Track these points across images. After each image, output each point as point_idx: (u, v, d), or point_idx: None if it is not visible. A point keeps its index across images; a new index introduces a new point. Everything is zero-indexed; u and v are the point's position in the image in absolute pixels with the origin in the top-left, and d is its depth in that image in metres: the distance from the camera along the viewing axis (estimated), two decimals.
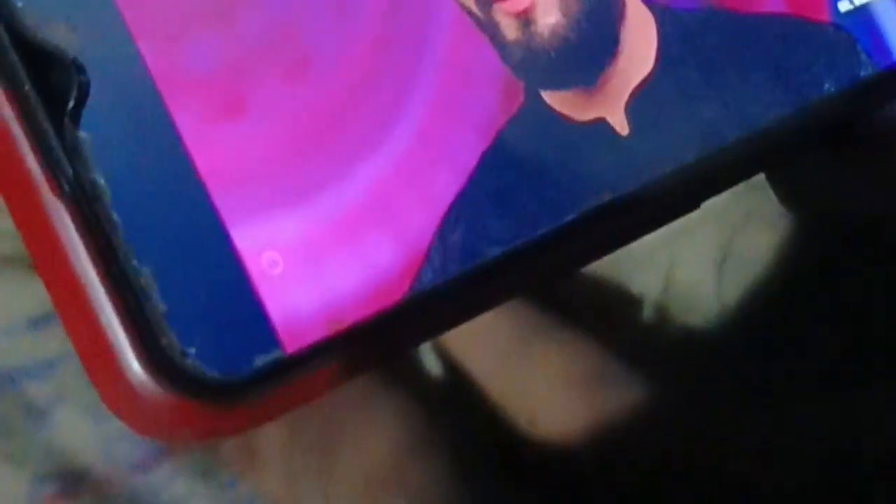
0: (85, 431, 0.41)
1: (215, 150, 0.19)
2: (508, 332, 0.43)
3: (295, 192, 0.19)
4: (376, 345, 0.20)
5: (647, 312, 0.44)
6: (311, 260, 0.20)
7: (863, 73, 0.23)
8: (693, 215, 0.44)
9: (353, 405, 0.41)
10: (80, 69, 0.18)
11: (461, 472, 0.41)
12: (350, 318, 0.19)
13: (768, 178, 0.25)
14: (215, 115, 0.19)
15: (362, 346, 0.20)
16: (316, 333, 0.19)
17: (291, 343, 0.19)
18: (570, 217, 0.21)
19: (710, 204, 0.44)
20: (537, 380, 0.42)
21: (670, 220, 0.23)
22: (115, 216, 0.18)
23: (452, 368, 0.43)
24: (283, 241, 0.19)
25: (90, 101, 0.18)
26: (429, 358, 0.43)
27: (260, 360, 0.19)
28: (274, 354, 0.19)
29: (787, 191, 0.25)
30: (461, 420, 0.42)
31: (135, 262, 0.19)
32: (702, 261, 0.44)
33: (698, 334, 0.43)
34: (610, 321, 0.44)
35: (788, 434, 0.40)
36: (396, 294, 0.20)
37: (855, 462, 0.39)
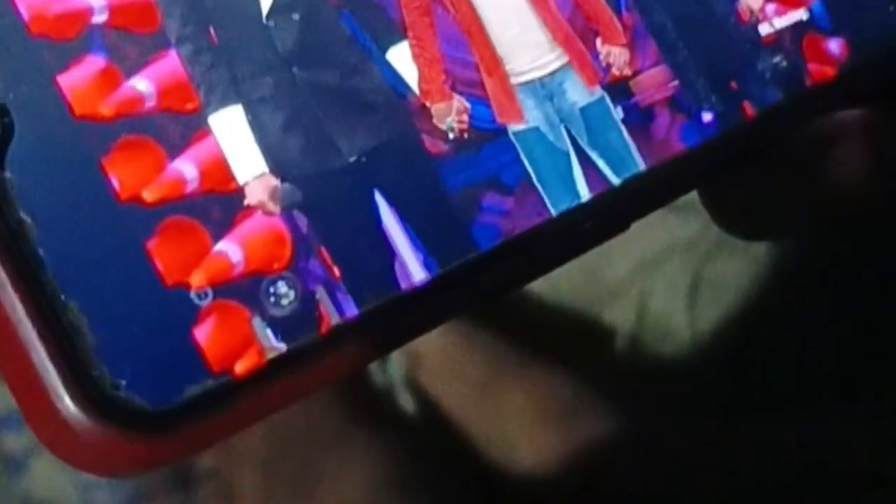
0: (63, 481, 0.41)
1: (139, 182, 0.19)
2: (481, 366, 0.43)
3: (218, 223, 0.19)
4: (307, 371, 0.20)
5: (621, 344, 0.44)
6: (240, 289, 0.20)
7: (788, 92, 0.23)
8: (663, 245, 0.45)
9: (327, 444, 0.41)
10: (4, 111, 0.19)
11: None
12: (281, 345, 0.20)
13: (702, 198, 0.25)
14: (124, 157, 0.19)
15: (293, 372, 0.20)
16: (247, 361, 0.20)
17: (222, 371, 0.19)
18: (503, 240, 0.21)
19: (680, 233, 0.45)
20: (512, 413, 0.42)
21: (604, 241, 0.23)
22: (41, 252, 0.19)
23: (426, 404, 0.43)
24: (212, 272, 0.20)
25: (14, 142, 0.19)
26: (402, 394, 0.43)
27: (191, 389, 0.19)
28: (205, 383, 0.19)
29: (721, 210, 0.25)
30: (437, 455, 0.42)
31: (62, 297, 0.19)
32: (674, 290, 0.44)
33: (672, 363, 0.43)
34: (583, 353, 0.44)
35: (764, 458, 0.40)
36: (328, 321, 0.20)
37: (827, 482, 0.39)
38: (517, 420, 0.42)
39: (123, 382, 0.19)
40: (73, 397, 0.19)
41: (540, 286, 0.44)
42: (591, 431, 0.41)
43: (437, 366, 0.43)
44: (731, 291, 0.43)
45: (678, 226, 0.44)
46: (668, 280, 0.44)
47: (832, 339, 0.41)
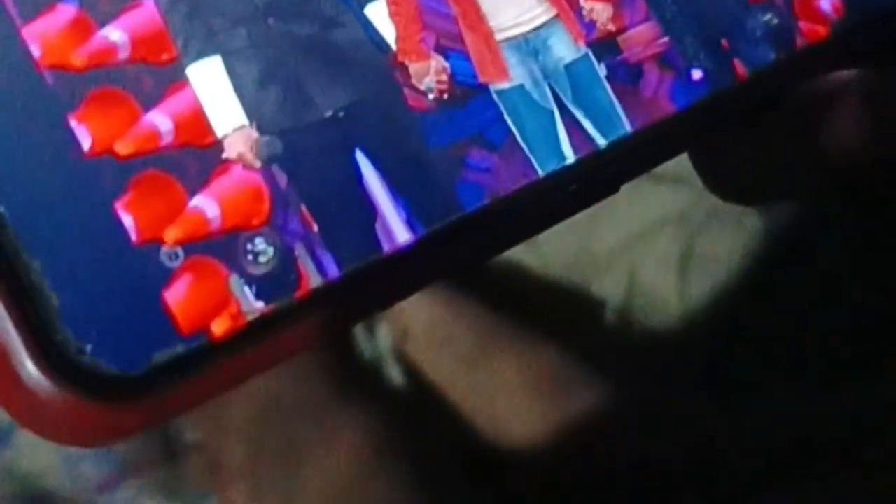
0: (48, 453, 0.41)
1: (111, 135, 0.19)
2: (470, 339, 0.42)
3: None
4: (285, 333, 0.19)
5: (611, 316, 0.44)
6: (216, 246, 0.19)
7: (779, 50, 0.23)
8: (654, 217, 0.44)
9: (314, 417, 0.41)
10: None
11: (425, 481, 0.41)
12: (260, 304, 0.19)
13: (693, 162, 0.25)
14: (96, 109, 0.19)
15: (271, 334, 0.19)
16: (224, 321, 0.19)
17: (195, 334, 0.19)
18: (490, 200, 0.21)
19: (672, 205, 0.44)
20: (500, 386, 0.42)
21: (591, 203, 0.23)
22: (2, 210, 0.18)
23: (414, 377, 0.42)
24: (187, 228, 0.19)
25: None
26: (390, 367, 0.43)
27: (160, 354, 0.18)
28: (176, 347, 0.18)
29: (713, 174, 0.25)
30: (424, 429, 0.42)
31: (24, 256, 0.18)
32: (665, 263, 0.44)
33: (663, 335, 0.43)
34: (573, 326, 0.43)
35: (755, 430, 0.40)
36: (307, 279, 0.19)
37: (821, 456, 0.39)
38: (506, 393, 0.42)
39: (89, 347, 0.18)
40: (36, 363, 0.18)
41: (530, 258, 0.44)
42: (581, 404, 0.41)
43: (426, 338, 0.43)
44: (723, 264, 0.43)
45: (669, 198, 0.44)
46: (658, 252, 0.44)
47: (824, 313, 0.41)
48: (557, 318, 0.43)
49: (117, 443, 0.19)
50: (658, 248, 0.44)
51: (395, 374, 0.43)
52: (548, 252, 0.44)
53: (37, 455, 0.41)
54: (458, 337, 0.43)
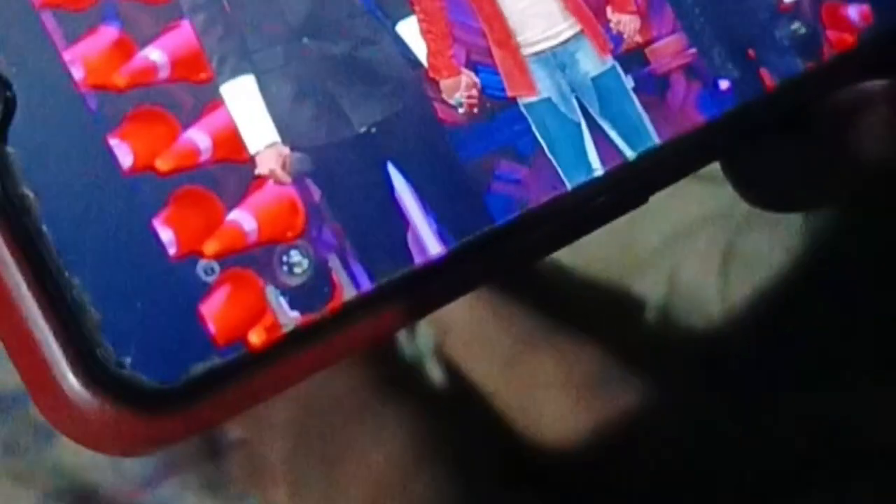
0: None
1: (152, 152, 0.19)
2: (510, 338, 0.42)
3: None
4: (321, 344, 0.20)
5: (651, 316, 0.44)
6: (253, 258, 0.20)
7: (806, 60, 0.23)
8: (695, 216, 0.44)
9: (355, 417, 0.41)
10: (7, 85, 0.19)
11: (465, 481, 0.41)
12: (295, 314, 0.20)
13: (724, 171, 0.25)
14: (137, 127, 0.19)
15: (307, 345, 0.20)
16: (261, 332, 0.19)
17: (231, 346, 0.19)
18: (519, 213, 0.21)
19: (712, 204, 0.44)
20: (540, 385, 0.42)
21: (620, 215, 0.23)
22: (45, 228, 0.18)
23: (454, 377, 0.43)
24: (225, 241, 0.20)
25: (17, 116, 0.19)
26: (431, 366, 0.43)
27: (197, 367, 0.19)
28: (211, 360, 0.19)
29: (743, 183, 0.25)
30: (464, 428, 0.42)
31: (66, 273, 0.18)
32: (705, 262, 0.44)
33: (702, 336, 0.43)
34: (613, 325, 0.44)
35: (797, 433, 0.40)
36: (341, 290, 0.20)
37: (865, 456, 0.39)
38: (546, 392, 0.42)
39: (128, 360, 0.19)
40: (76, 375, 0.19)
41: (570, 257, 0.44)
42: (620, 403, 0.41)
43: (466, 337, 0.43)
44: (764, 264, 0.43)
45: (710, 197, 0.44)
46: (699, 252, 0.44)
47: (870, 314, 0.41)
48: (598, 317, 0.44)
49: (157, 452, 0.20)
50: (699, 247, 0.44)
51: (436, 374, 0.43)
52: (588, 252, 0.44)
53: (80, 453, 0.41)
54: (499, 337, 0.43)
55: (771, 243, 0.43)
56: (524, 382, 0.42)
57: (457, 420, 0.42)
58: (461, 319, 0.43)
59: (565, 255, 0.43)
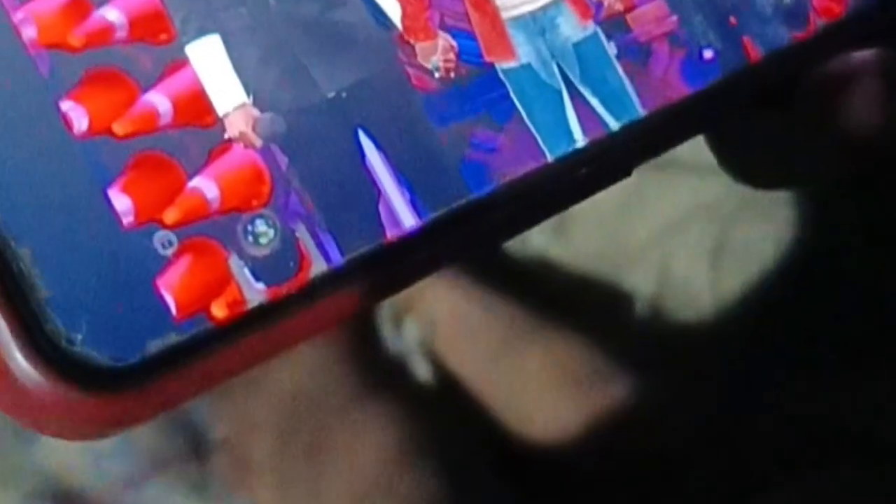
0: (76, 449, 0.41)
1: (109, 115, 0.18)
2: (497, 332, 0.42)
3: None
4: (284, 321, 0.19)
5: (641, 308, 0.43)
6: (216, 228, 0.19)
7: (792, 29, 0.22)
8: (686, 208, 0.44)
9: (341, 413, 0.41)
10: None
11: (452, 476, 0.40)
12: (261, 286, 0.19)
13: (710, 146, 0.24)
14: (94, 89, 0.18)
15: (268, 322, 0.19)
16: (218, 310, 0.19)
17: (192, 320, 0.18)
18: (497, 185, 0.20)
19: (703, 196, 0.44)
20: (529, 380, 0.41)
21: (603, 187, 0.22)
22: None
23: (442, 371, 0.42)
24: (186, 209, 0.19)
25: None
26: (417, 361, 0.42)
27: (155, 343, 0.18)
28: (170, 336, 0.18)
29: (729, 157, 0.25)
30: (451, 423, 0.42)
31: (13, 244, 0.17)
32: (696, 254, 0.43)
33: (694, 328, 0.43)
34: (603, 318, 0.43)
35: (790, 425, 0.39)
36: (309, 262, 0.19)
37: (863, 448, 0.38)
38: (535, 386, 0.41)
39: (79, 336, 0.18)
40: (24, 353, 0.18)
41: (559, 250, 0.43)
42: (611, 397, 0.41)
43: (453, 332, 0.42)
44: (755, 255, 0.43)
45: (701, 188, 0.43)
46: (690, 244, 0.43)
47: (861, 305, 0.41)
48: (587, 310, 0.43)
49: (114, 435, 0.19)
50: (690, 238, 0.43)
51: (421, 369, 0.42)
52: (577, 243, 0.43)
53: (64, 453, 0.41)
54: (486, 331, 0.42)
55: (762, 235, 0.42)
56: (512, 377, 0.42)
57: (443, 415, 0.42)
58: (447, 313, 0.42)
59: (555, 248, 0.43)
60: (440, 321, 0.43)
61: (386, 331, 0.42)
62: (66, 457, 0.41)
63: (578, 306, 0.43)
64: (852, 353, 0.40)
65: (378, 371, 0.42)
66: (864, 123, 0.24)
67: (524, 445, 0.41)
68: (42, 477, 0.41)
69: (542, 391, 0.41)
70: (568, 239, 0.43)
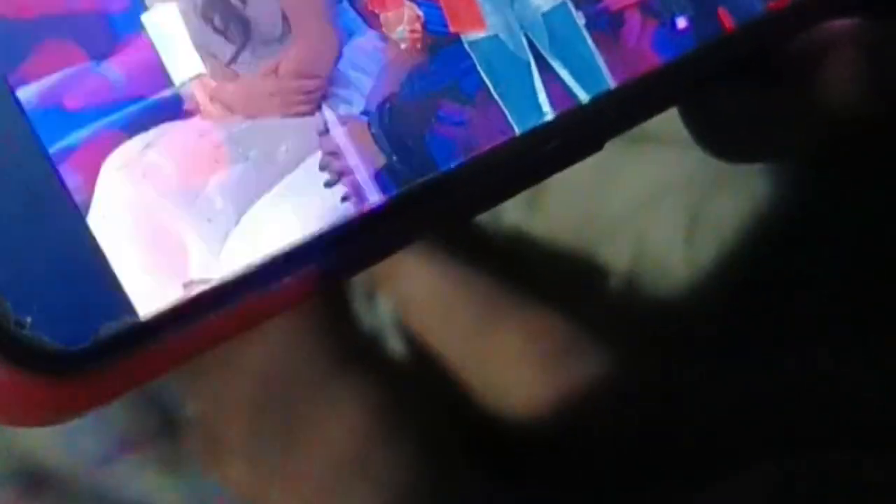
0: (47, 429, 0.40)
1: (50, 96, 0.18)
2: (472, 308, 0.42)
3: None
4: (247, 300, 0.19)
5: (617, 283, 0.43)
6: (165, 220, 0.18)
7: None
8: (660, 182, 0.44)
9: (314, 390, 0.40)
10: None
11: (427, 454, 0.40)
12: (209, 280, 0.18)
13: (683, 118, 0.24)
14: (50, 70, 0.18)
15: (228, 304, 0.18)
16: (171, 297, 0.18)
17: (144, 308, 0.18)
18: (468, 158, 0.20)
19: (677, 170, 0.44)
20: (505, 356, 0.41)
21: (573, 161, 0.22)
22: None
23: (416, 348, 0.42)
24: (133, 199, 0.18)
25: None
26: (391, 338, 0.42)
27: (109, 327, 0.17)
28: (124, 320, 0.18)
29: (703, 129, 0.24)
30: (426, 400, 0.41)
31: None
32: (671, 229, 0.43)
33: (669, 302, 0.43)
34: (578, 294, 0.43)
35: (764, 396, 0.39)
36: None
37: (834, 422, 0.38)
38: (510, 362, 0.41)
39: (29, 319, 0.17)
40: None
41: (534, 224, 0.43)
42: (586, 373, 0.40)
43: (427, 308, 0.42)
44: (730, 229, 0.42)
45: (675, 162, 0.43)
46: (664, 217, 0.43)
47: (836, 276, 0.40)
48: (562, 285, 0.43)
49: (67, 421, 0.18)
50: (664, 212, 0.43)
51: (395, 346, 0.42)
52: (552, 218, 0.43)
53: (35, 432, 0.41)
54: (461, 306, 0.42)
55: (737, 209, 0.42)
56: (488, 353, 0.41)
57: (419, 392, 0.41)
58: (421, 289, 0.42)
59: (530, 223, 0.43)
60: (414, 297, 0.42)
61: (359, 307, 0.42)
62: (37, 436, 0.41)
63: (553, 281, 0.43)
64: (826, 326, 0.40)
65: (351, 347, 0.42)
66: (840, 93, 0.23)
67: (499, 420, 0.40)
68: (14, 457, 0.41)
69: (517, 366, 0.41)
70: (542, 213, 0.43)
